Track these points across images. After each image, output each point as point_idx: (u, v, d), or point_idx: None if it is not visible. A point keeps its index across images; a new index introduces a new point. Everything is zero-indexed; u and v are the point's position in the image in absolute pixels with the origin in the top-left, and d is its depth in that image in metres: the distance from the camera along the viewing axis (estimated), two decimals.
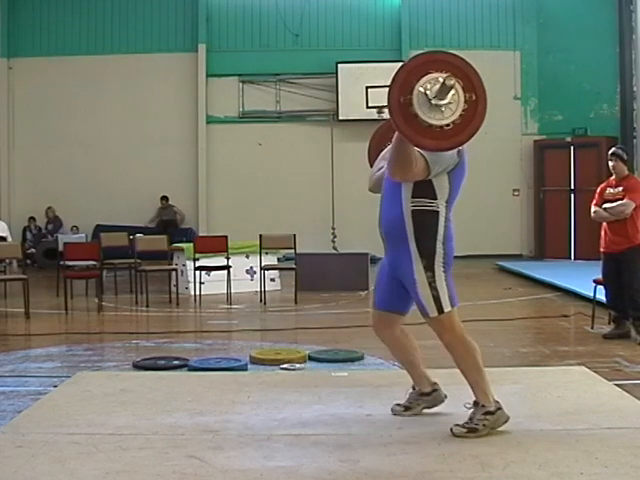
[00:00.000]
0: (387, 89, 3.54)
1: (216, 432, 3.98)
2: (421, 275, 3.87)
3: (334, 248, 15.30)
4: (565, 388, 4.83)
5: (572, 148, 15.56)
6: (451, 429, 3.89)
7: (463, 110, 3.56)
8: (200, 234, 15.03)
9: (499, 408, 3.93)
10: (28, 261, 13.85)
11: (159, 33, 16.66)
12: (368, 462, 3.52)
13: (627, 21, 15.30)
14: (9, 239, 12.57)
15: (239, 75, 16.60)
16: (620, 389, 4.81)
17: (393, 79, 3.55)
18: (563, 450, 3.65)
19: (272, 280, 10.92)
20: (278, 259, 11.82)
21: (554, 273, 11.22)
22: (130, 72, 16.47)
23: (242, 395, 4.71)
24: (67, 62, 16.43)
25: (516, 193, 16.64)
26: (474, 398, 3.97)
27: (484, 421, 3.88)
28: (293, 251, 10.62)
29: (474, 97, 3.58)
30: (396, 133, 3.66)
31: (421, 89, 3.52)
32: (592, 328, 7.56)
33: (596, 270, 7.45)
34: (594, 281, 7.53)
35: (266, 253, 10.81)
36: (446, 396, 4.29)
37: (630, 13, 15.24)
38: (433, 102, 3.51)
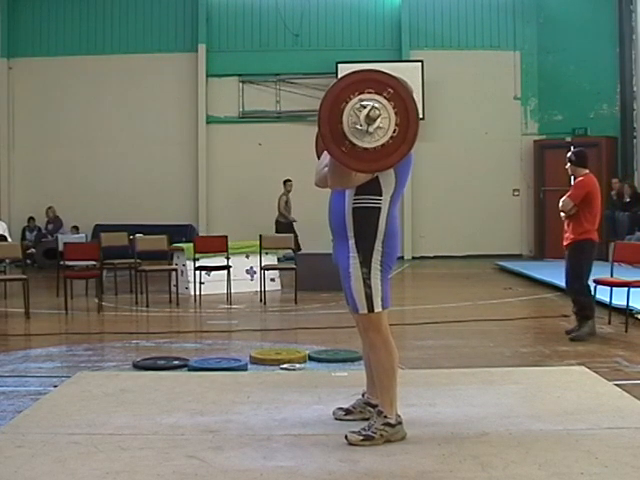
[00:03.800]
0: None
1: (216, 432, 3.98)
2: (356, 270, 3.81)
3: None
4: (565, 388, 4.83)
5: (572, 148, 15.54)
6: (346, 436, 3.80)
7: (394, 132, 3.53)
8: (200, 234, 15.05)
9: (400, 422, 3.84)
10: (28, 261, 13.85)
11: (159, 33, 16.67)
12: (368, 462, 3.52)
13: (627, 21, 15.31)
14: (8, 239, 12.57)
15: (239, 75, 16.62)
16: (620, 389, 4.81)
17: (325, 96, 3.53)
18: (563, 450, 3.65)
19: (272, 280, 10.92)
20: (278, 259, 11.83)
21: (554, 273, 11.18)
22: (130, 72, 16.49)
23: (242, 395, 4.71)
24: (67, 62, 16.46)
25: (516, 193, 16.65)
26: (378, 406, 3.88)
27: (382, 431, 3.79)
28: (293, 251, 10.62)
29: (406, 121, 3.54)
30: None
31: (351, 111, 3.49)
32: None
33: (595, 270, 7.44)
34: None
35: (266, 253, 10.81)
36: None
37: (630, 13, 15.25)
38: (362, 126, 3.48)
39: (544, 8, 16.60)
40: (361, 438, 3.78)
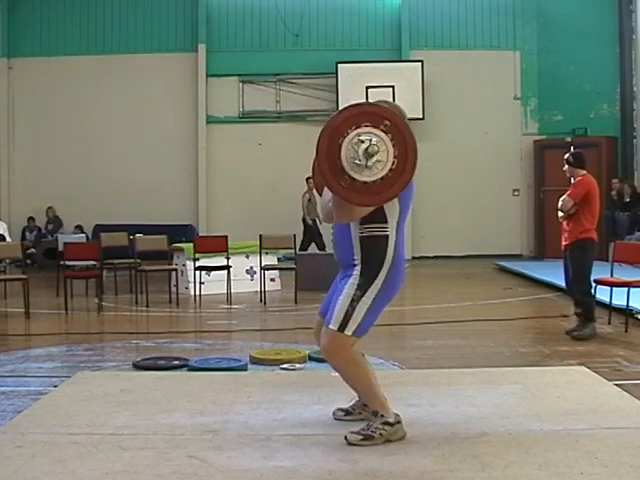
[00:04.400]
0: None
1: (216, 432, 3.98)
2: (351, 288, 3.77)
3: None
4: (565, 388, 4.83)
5: (572, 148, 15.54)
6: (345, 436, 3.80)
7: (392, 165, 3.52)
8: (200, 234, 15.05)
9: (398, 422, 3.84)
10: (28, 261, 13.85)
11: (159, 33, 16.67)
12: (368, 462, 3.52)
13: (627, 21, 15.31)
14: (8, 239, 12.57)
15: (239, 75, 16.61)
16: (620, 389, 4.81)
17: (322, 131, 3.53)
18: (563, 450, 3.65)
19: (272, 280, 10.92)
20: (278, 259, 11.83)
21: (554, 273, 11.19)
22: (130, 72, 16.49)
23: (242, 395, 4.71)
24: (67, 62, 16.46)
25: (516, 193, 16.65)
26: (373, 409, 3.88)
27: (382, 430, 3.79)
28: (293, 251, 10.62)
29: (404, 152, 3.53)
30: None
31: (349, 146, 3.49)
32: None
33: (595, 270, 7.45)
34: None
35: (266, 253, 10.81)
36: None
37: (630, 13, 15.25)
38: (361, 161, 3.48)
39: (544, 8, 16.59)
40: (360, 438, 3.78)
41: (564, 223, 7.29)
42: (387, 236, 3.80)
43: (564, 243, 7.29)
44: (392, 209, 3.79)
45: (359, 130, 3.50)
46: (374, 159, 3.48)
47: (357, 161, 3.48)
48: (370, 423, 3.84)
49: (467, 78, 16.30)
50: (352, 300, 3.77)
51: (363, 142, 3.48)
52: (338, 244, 3.93)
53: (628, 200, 14.16)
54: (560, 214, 7.31)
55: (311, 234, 14.49)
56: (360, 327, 3.77)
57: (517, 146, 16.56)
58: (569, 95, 16.09)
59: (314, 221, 14.43)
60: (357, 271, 3.81)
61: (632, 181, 14.72)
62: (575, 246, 7.14)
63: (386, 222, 3.79)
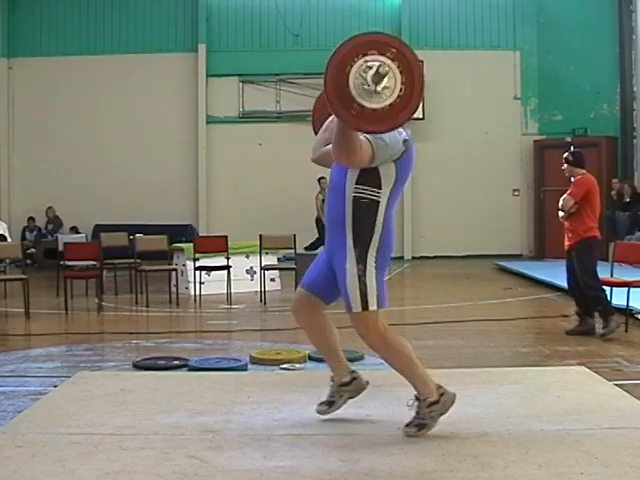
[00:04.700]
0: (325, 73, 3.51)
1: (216, 432, 3.98)
2: (352, 266, 3.80)
3: None
4: (565, 388, 4.83)
5: (572, 148, 15.54)
6: (403, 432, 3.85)
7: (400, 91, 3.53)
8: (200, 234, 15.05)
9: (442, 393, 3.88)
10: (28, 261, 13.85)
11: (159, 33, 16.67)
12: (368, 462, 3.52)
13: (627, 21, 15.31)
14: (8, 239, 12.57)
15: (239, 75, 16.62)
16: (620, 389, 4.81)
17: (329, 61, 3.52)
18: (563, 450, 3.65)
19: (272, 280, 10.92)
20: (278, 259, 11.82)
21: (554, 273, 11.19)
22: (130, 72, 16.49)
23: (242, 395, 4.71)
24: (67, 62, 16.46)
25: (516, 193, 16.65)
26: (414, 393, 3.92)
27: (431, 413, 3.85)
28: (293, 251, 10.62)
29: (411, 78, 3.55)
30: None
31: (357, 73, 3.49)
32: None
33: None
34: None
35: (266, 253, 10.81)
36: (367, 382, 4.18)
37: (630, 13, 15.25)
38: (369, 87, 3.48)
39: (544, 8, 16.60)
40: (415, 429, 3.84)
41: (566, 223, 7.29)
42: (379, 202, 3.82)
43: (568, 243, 7.28)
44: (388, 175, 3.81)
45: (366, 58, 3.50)
46: (383, 83, 3.48)
47: (366, 87, 3.47)
48: (418, 411, 3.87)
49: (467, 78, 16.29)
50: (359, 277, 3.79)
51: (371, 68, 3.48)
52: (330, 203, 3.94)
53: (628, 200, 14.16)
54: (561, 214, 7.31)
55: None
56: (380, 296, 3.82)
57: (517, 146, 16.56)
58: (569, 95, 16.09)
59: None
60: (348, 240, 3.81)
61: (632, 181, 14.72)
62: (581, 245, 7.14)
63: (380, 188, 3.81)
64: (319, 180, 14.32)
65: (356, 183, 3.81)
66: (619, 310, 7.73)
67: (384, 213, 3.84)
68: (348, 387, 4.14)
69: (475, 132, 16.37)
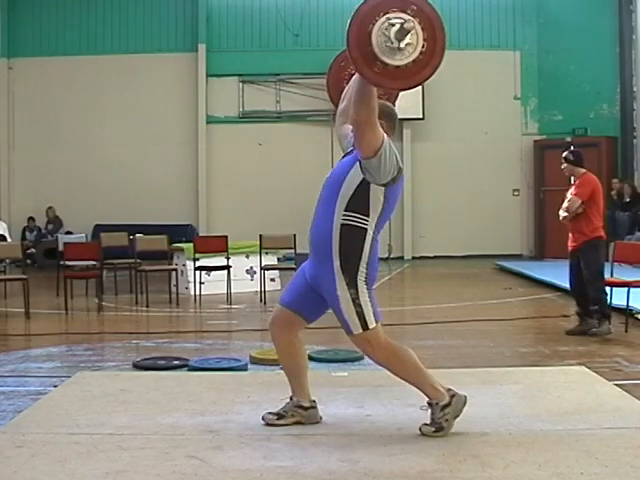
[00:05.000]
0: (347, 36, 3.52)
1: (216, 432, 3.98)
2: (344, 292, 3.81)
3: None
4: (565, 388, 4.83)
5: (572, 148, 15.56)
6: (420, 428, 3.88)
7: (422, 47, 3.55)
8: (200, 234, 15.05)
9: (453, 395, 3.90)
10: (28, 261, 13.85)
11: (159, 33, 16.67)
12: (368, 462, 3.52)
13: (627, 21, 15.31)
14: (8, 239, 12.57)
15: (239, 75, 16.61)
16: (620, 389, 4.81)
17: (351, 20, 3.53)
18: (563, 450, 3.65)
19: (272, 280, 10.91)
20: (278, 259, 11.82)
21: (554, 273, 11.20)
22: (130, 72, 16.48)
23: (242, 395, 4.71)
24: (67, 62, 16.45)
25: (516, 193, 16.65)
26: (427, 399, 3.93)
27: (445, 416, 3.86)
28: (293, 251, 10.63)
29: (432, 34, 3.57)
30: (357, 74, 3.64)
31: (379, 31, 3.50)
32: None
33: None
34: None
35: (266, 253, 10.81)
36: (321, 418, 4.12)
37: (630, 13, 15.25)
38: (392, 44, 3.49)
39: (544, 8, 16.60)
40: (433, 429, 3.85)
41: (570, 225, 7.26)
42: (366, 230, 3.82)
43: (573, 244, 7.25)
44: (376, 203, 3.81)
45: (388, 15, 3.51)
46: (406, 39, 3.49)
47: (389, 44, 3.48)
48: (433, 414, 3.88)
49: (467, 78, 16.29)
50: (352, 300, 3.80)
51: (394, 25, 3.48)
52: (317, 227, 3.93)
53: (628, 200, 14.16)
54: (564, 214, 7.25)
55: None
56: (375, 313, 3.85)
57: (517, 146, 16.55)
58: (569, 95, 16.09)
59: None
60: (336, 268, 3.81)
61: (632, 181, 14.72)
62: (588, 246, 7.12)
63: (368, 215, 3.82)
64: None
65: (345, 209, 3.81)
66: (619, 310, 7.74)
67: (370, 242, 3.85)
68: (304, 412, 4.07)
69: (475, 132, 16.37)
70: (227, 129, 16.61)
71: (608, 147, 15.41)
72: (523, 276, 12.40)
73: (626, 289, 7.44)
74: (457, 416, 3.89)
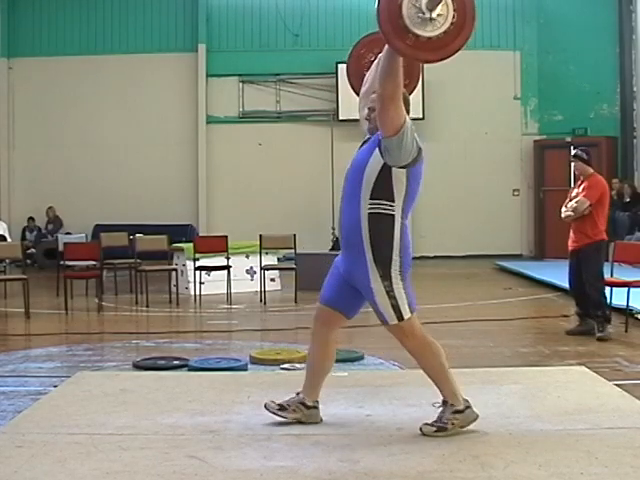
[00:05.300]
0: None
1: (216, 432, 3.98)
2: (378, 284, 3.82)
3: (334, 248, 15.30)
4: (565, 388, 4.83)
5: (572, 148, 15.54)
6: (420, 428, 3.88)
7: (453, 18, 3.55)
8: (200, 234, 15.04)
9: (468, 407, 3.92)
10: (28, 261, 13.85)
11: (159, 33, 16.66)
12: (368, 462, 3.52)
13: (627, 21, 15.31)
14: (8, 239, 12.57)
15: (239, 75, 16.60)
16: (620, 389, 4.81)
17: None
18: (563, 450, 3.65)
19: (272, 280, 10.92)
20: (278, 259, 11.82)
21: (554, 273, 11.20)
22: (130, 72, 16.48)
23: (242, 395, 4.72)
24: (67, 62, 16.44)
25: (516, 193, 16.64)
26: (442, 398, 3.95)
27: (453, 420, 3.87)
28: (293, 251, 10.63)
29: (462, 4, 3.58)
30: (386, 47, 3.65)
31: (409, 3, 3.51)
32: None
33: None
34: None
35: (266, 253, 10.81)
36: (322, 420, 4.13)
37: (630, 13, 15.25)
38: (424, 14, 3.49)
39: (544, 8, 16.59)
40: (434, 429, 3.85)
41: (573, 224, 7.25)
42: (393, 216, 3.85)
43: (575, 245, 7.24)
44: (399, 186, 3.83)
45: None
46: (437, 9, 3.49)
47: (420, 15, 3.49)
48: (442, 414, 3.89)
49: (467, 78, 16.27)
50: (387, 292, 3.82)
51: None
52: (345, 221, 3.95)
53: (628, 200, 14.16)
54: (568, 214, 7.23)
55: None
56: (410, 304, 3.87)
57: (517, 146, 16.54)
58: (569, 95, 16.09)
59: None
60: (369, 260, 3.82)
61: (632, 181, 14.72)
62: (590, 248, 7.11)
63: (393, 200, 3.84)
64: None
65: (370, 198, 3.82)
66: (619, 310, 7.75)
67: (400, 228, 3.87)
68: (305, 409, 4.09)
69: (475, 132, 16.36)
70: (227, 129, 16.61)
71: (608, 147, 15.41)
72: (523, 276, 12.40)
73: (626, 289, 7.45)
74: (463, 427, 3.89)
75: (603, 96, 15.88)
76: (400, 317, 3.84)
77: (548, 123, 16.46)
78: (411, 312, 3.87)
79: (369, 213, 3.83)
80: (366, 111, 4.10)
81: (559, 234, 13.47)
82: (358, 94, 4.48)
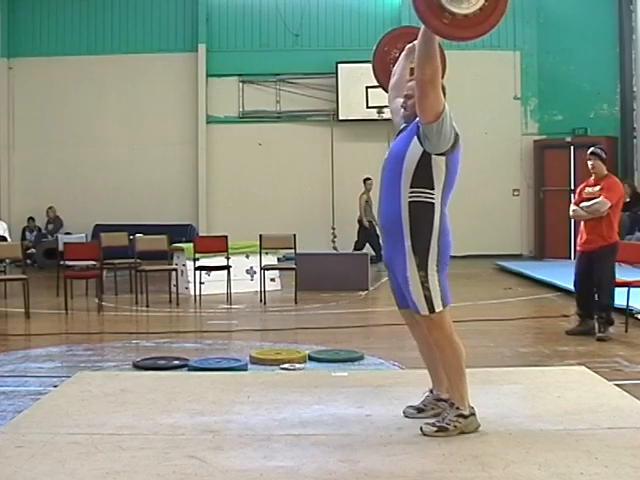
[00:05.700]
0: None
1: (216, 432, 3.98)
2: (414, 274, 3.85)
3: (334, 248, 15.31)
4: (565, 388, 4.83)
5: (572, 148, 15.57)
6: (421, 427, 3.88)
7: None
8: (200, 234, 15.04)
9: (473, 414, 3.91)
10: (28, 261, 13.85)
11: (159, 33, 16.66)
12: (368, 462, 3.52)
13: (627, 21, 15.31)
14: (8, 239, 12.57)
15: (239, 75, 16.60)
16: (620, 389, 4.81)
17: None
18: (563, 450, 3.65)
19: (272, 280, 10.92)
20: (278, 259, 11.83)
21: (554, 273, 11.21)
22: (130, 72, 16.48)
23: (242, 395, 4.71)
24: (67, 62, 16.45)
25: (516, 193, 16.64)
26: (450, 398, 3.96)
27: (456, 422, 3.86)
28: (293, 251, 10.63)
29: None
30: (422, 28, 3.65)
31: None
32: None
33: None
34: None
35: (266, 253, 10.81)
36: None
37: (630, 13, 15.25)
38: None
39: (544, 8, 16.59)
40: (435, 429, 3.84)
41: (586, 226, 7.19)
42: (433, 204, 3.85)
43: (588, 246, 7.18)
44: (439, 174, 3.84)
45: None
46: None
47: None
48: (445, 415, 3.89)
49: (467, 78, 16.26)
50: (422, 283, 3.84)
51: None
52: (385, 210, 3.97)
53: (628, 200, 14.14)
54: (581, 213, 7.19)
55: (367, 235, 14.42)
56: (443, 296, 3.88)
57: (517, 146, 16.55)
58: (569, 95, 16.09)
59: (370, 223, 14.31)
60: (408, 248, 3.85)
61: (632, 181, 14.70)
62: (607, 250, 7.11)
63: (433, 188, 3.84)
64: (365, 181, 14.35)
65: (411, 186, 3.83)
66: (619, 310, 7.74)
67: (440, 215, 3.87)
68: (444, 404, 4.09)
69: (475, 132, 16.31)
70: (227, 129, 16.60)
71: (608, 147, 15.22)
72: (523, 276, 12.40)
73: (626, 289, 7.45)
74: (463, 432, 3.87)
75: (603, 96, 15.88)
76: (432, 309, 3.85)
77: (548, 123, 16.46)
78: (443, 306, 3.88)
79: (410, 202, 3.85)
80: (400, 100, 4.13)
81: (559, 234, 13.38)
82: (386, 90, 4.51)
